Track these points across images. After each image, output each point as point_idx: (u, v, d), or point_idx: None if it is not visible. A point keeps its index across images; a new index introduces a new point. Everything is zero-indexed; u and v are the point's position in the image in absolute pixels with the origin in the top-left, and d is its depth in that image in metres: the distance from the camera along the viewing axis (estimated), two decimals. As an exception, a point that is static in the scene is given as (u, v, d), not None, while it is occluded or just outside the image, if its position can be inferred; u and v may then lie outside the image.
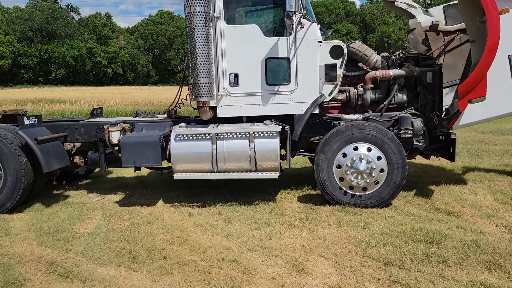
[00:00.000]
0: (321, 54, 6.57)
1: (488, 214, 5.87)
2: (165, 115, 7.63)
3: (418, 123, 6.60)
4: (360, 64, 7.23)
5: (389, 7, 8.32)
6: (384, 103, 6.89)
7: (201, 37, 6.09)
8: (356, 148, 6.33)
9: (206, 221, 5.98)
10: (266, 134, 6.46)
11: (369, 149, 6.31)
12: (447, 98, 7.10)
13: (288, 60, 6.54)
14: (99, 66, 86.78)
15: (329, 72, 6.65)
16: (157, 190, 7.78)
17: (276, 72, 6.70)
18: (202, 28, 6.08)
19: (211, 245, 5.09)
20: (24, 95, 38.62)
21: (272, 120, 6.67)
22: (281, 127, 6.58)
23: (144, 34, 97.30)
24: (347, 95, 6.99)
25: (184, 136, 6.53)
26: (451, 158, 6.74)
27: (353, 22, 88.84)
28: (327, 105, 7.12)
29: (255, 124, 6.62)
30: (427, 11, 7.88)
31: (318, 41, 6.56)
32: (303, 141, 7.17)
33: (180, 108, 7.60)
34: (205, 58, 6.16)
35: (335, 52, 6.62)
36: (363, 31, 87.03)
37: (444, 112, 6.88)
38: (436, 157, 7.18)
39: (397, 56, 7.25)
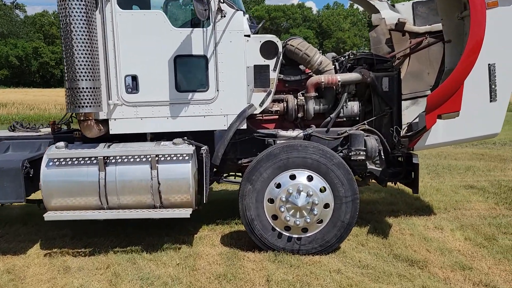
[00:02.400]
0: (249, 52, 5.01)
1: (461, 265, 4.48)
2: (49, 129, 5.82)
3: (372, 142, 5.17)
4: (302, 67, 5.74)
5: (351, -2, 6.91)
6: (331, 116, 5.43)
7: (80, 24, 4.38)
8: (293, 177, 4.80)
9: (82, 283, 4.24)
10: (174, 158, 4.82)
11: (310, 178, 4.80)
12: (408, 112, 5.73)
13: (205, 59, 4.93)
14: (46, 66, 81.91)
15: (260, 75, 5.10)
16: (40, 226, 5.92)
17: (190, 74, 5.08)
18: (81, 12, 4.36)
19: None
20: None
21: (185, 138, 5.02)
22: (195, 147, 4.96)
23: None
24: (284, 105, 5.47)
25: (61, 160, 4.77)
26: (413, 187, 5.34)
27: (310, 28, 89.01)
28: (261, 118, 5.58)
29: (162, 143, 4.95)
30: (393, 6, 6.51)
31: (245, 35, 5.00)
32: (229, 163, 5.60)
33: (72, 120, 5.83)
34: (87, 54, 4.45)
35: (268, 50, 5.08)
36: (320, 36, 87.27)
37: (405, 129, 5.49)
38: (395, 184, 5.78)
39: (347, 58, 5.81)
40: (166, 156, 4.80)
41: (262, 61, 5.07)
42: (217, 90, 4.97)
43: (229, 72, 4.97)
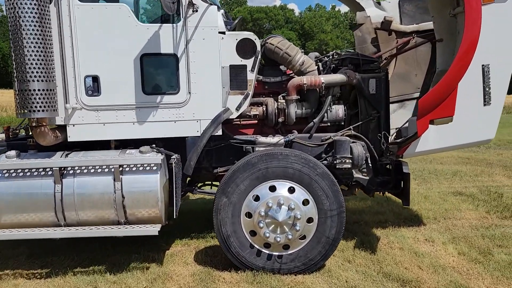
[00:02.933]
0: (224, 50, 4.55)
1: (456, 284, 4.09)
2: (3, 135, 5.24)
3: (359, 149, 4.76)
4: (283, 68, 5.30)
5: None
6: (314, 120, 4.99)
7: (31, 18, 3.84)
8: (273, 188, 4.36)
9: (31, 314, 3.72)
10: (141, 168, 4.32)
11: (291, 190, 4.36)
12: (395, 116, 5.35)
13: (175, 58, 4.45)
14: (22, 67, 79.93)
15: (237, 76, 4.64)
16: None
17: (158, 75, 4.60)
18: (32, 5, 3.83)
19: None
20: None
21: (153, 146, 4.53)
22: (164, 156, 4.47)
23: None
24: (264, 109, 5.01)
25: (11, 171, 4.23)
26: (403, 198, 4.93)
27: (293, 29, 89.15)
28: (238, 122, 5.11)
29: (127, 152, 4.44)
30: (379, 3, 6.12)
31: (220, 32, 4.53)
32: (204, 172, 5.12)
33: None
34: (39, 52, 3.92)
35: (245, 48, 4.63)
36: (302, 38, 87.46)
37: (394, 135, 5.09)
38: (383, 194, 5.38)
39: (331, 58, 5.39)
40: (131, 166, 4.30)
41: (238, 60, 4.61)
42: (189, 93, 4.49)
43: (202, 73, 4.50)
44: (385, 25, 5.96)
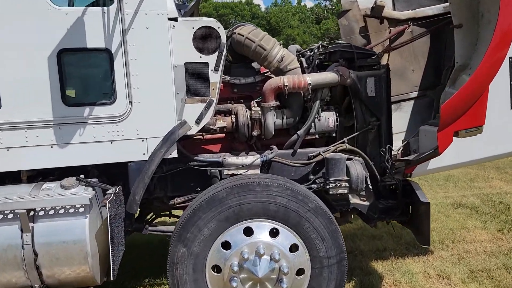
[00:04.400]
0: (177, 43, 3.33)
1: None
2: None
3: (357, 168, 3.66)
4: (257, 65, 4.13)
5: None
6: (298, 132, 3.87)
7: None
8: (249, 232, 3.19)
9: None
10: (61, 211, 3.06)
11: (274, 232, 3.21)
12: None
13: (108, 54, 3.21)
14: None
15: (195, 78, 3.43)
16: None
17: (85, 79, 3.35)
18: None
19: None
20: None
21: (80, 177, 3.27)
22: (97, 191, 3.23)
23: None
24: (233, 120, 3.83)
25: None
26: (420, 235, 3.80)
27: (259, 25, 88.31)
28: (201, 137, 3.92)
29: (44, 186, 3.18)
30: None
31: (170, 19, 3.31)
32: (157, 205, 3.92)
33: None
34: None
35: (206, 40, 3.41)
36: (269, 33, 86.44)
37: (401, 149, 4.01)
38: (387, 224, 4.30)
39: (316, 51, 4.26)
40: (48, 209, 3.03)
41: (197, 57, 3.40)
42: (130, 102, 3.26)
43: (146, 74, 3.27)
44: (376, 11, 4.88)
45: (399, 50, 4.91)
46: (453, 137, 3.31)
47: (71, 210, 3.05)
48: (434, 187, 7.59)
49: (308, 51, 4.32)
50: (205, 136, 3.96)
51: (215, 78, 3.46)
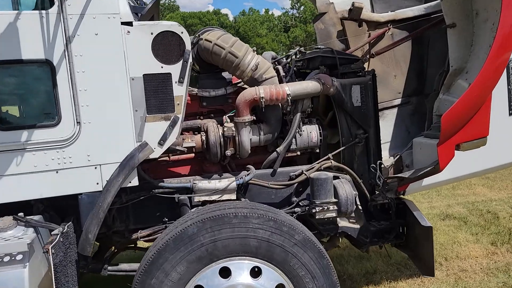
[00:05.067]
0: (133, 52, 2.82)
1: None
2: None
3: (346, 188, 3.24)
4: (228, 75, 3.66)
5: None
6: (278, 149, 3.42)
7: None
8: (226, 273, 2.69)
9: None
10: (-7, 260, 2.49)
11: (256, 272, 2.72)
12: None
13: (49, 67, 2.67)
14: None
15: (157, 93, 2.92)
16: None
17: (22, 97, 2.79)
18: None
19: None
20: None
21: (18, 216, 2.70)
22: (39, 233, 2.67)
23: None
24: (203, 138, 3.34)
25: None
26: (421, 264, 3.40)
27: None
28: (167, 159, 3.42)
29: (-28, 230, 2.59)
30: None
31: (124, 23, 2.80)
32: (117, 239, 3.37)
33: None
34: None
35: (167, 47, 2.91)
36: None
37: (392, 164, 3.60)
38: (380, 248, 3.88)
39: (294, 57, 3.83)
40: (-26, 259, 2.45)
41: (157, 67, 2.89)
42: (78, 123, 2.73)
43: (97, 89, 2.75)
44: (354, 13, 4.51)
45: (379, 54, 4.57)
46: (455, 151, 2.91)
47: (6, 259, 2.48)
48: (417, 197, 7.24)
49: (285, 58, 3.89)
50: (172, 158, 3.46)
51: (180, 91, 2.96)
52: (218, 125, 3.37)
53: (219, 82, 3.63)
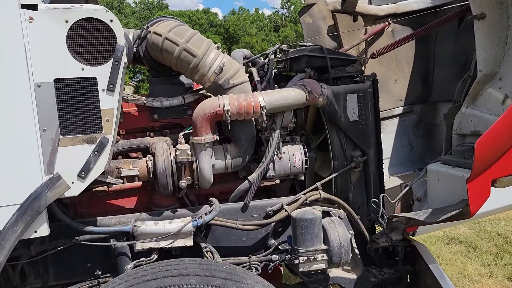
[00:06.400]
0: (39, 47, 1.96)
1: None
2: None
3: (339, 231, 2.45)
4: (187, 80, 2.82)
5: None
6: (251, 177, 2.60)
7: None
8: None
9: None
10: None
11: None
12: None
13: None
14: None
15: (75, 105, 2.07)
16: None
17: None
18: None
19: None
20: None
21: None
22: None
23: None
24: (149, 164, 2.50)
25: None
26: None
27: (217, 33, 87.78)
28: (105, 190, 2.57)
29: None
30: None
31: (25, 7, 1.94)
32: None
33: None
34: None
35: (90, 41, 2.06)
36: (228, 41, 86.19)
37: (399, 200, 2.77)
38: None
39: (273, 57, 3.00)
40: None
41: (76, 69, 2.04)
42: (-49, 150, 1.87)
43: (-20, 102, 1.90)
44: (348, 5, 3.77)
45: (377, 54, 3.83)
46: (491, 188, 2.10)
47: None
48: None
49: (262, 58, 3.06)
50: (112, 188, 2.61)
51: (110, 102, 2.11)
52: (171, 146, 2.54)
53: (176, 89, 2.80)
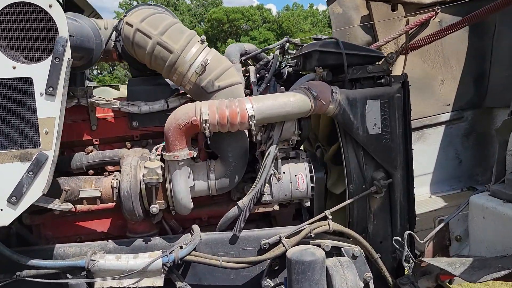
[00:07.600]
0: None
1: None
2: None
3: (346, 277, 1.88)
4: (172, 83, 2.34)
5: None
6: (240, 202, 2.07)
7: None
8: None
9: None
10: None
11: None
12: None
13: None
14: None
15: (3, 111, 1.65)
16: None
17: None
18: None
19: None
20: None
21: None
22: None
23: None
24: (114, 183, 2.04)
25: None
26: None
27: (270, 29, 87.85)
28: (73, 211, 2.15)
29: None
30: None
31: None
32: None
33: None
34: None
35: (22, 33, 1.63)
36: (281, 38, 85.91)
37: (433, 239, 2.15)
38: None
39: (278, 53, 2.46)
40: None
41: (5, 67, 1.62)
42: None
43: None
44: (387, -10, 3.23)
45: (420, 51, 3.27)
46: None
47: None
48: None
49: (263, 54, 2.52)
50: (80, 208, 2.19)
51: (50, 109, 1.68)
52: (140, 162, 2.07)
53: (159, 91, 2.33)
